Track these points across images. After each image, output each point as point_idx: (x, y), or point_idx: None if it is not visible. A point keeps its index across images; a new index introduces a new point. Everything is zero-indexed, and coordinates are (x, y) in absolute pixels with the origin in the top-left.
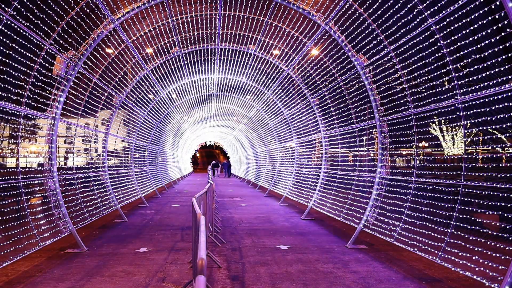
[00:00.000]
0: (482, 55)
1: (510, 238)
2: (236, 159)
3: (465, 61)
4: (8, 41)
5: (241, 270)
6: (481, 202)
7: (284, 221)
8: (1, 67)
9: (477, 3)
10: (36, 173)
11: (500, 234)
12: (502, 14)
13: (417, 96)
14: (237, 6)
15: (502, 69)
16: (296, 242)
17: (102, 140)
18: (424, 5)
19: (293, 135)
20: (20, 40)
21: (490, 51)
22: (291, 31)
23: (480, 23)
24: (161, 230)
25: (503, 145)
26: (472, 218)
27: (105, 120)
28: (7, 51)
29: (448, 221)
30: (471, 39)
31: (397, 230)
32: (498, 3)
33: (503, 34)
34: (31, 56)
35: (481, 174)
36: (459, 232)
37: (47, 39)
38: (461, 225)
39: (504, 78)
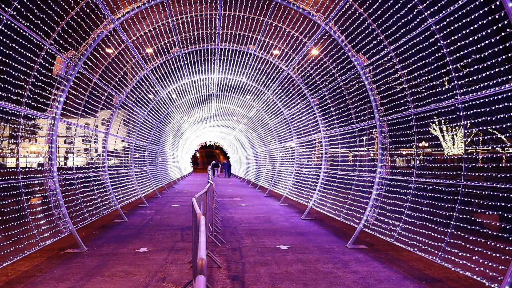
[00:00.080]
0: (482, 55)
1: (510, 238)
2: (236, 159)
3: (465, 61)
4: (8, 41)
5: (241, 270)
6: (481, 202)
7: (284, 221)
8: (1, 67)
9: (477, 3)
10: (36, 173)
11: (500, 234)
12: (502, 14)
13: (417, 96)
14: (237, 6)
15: (502, 69)
16: (296, 242)
17: (102, 140)
18: (424, 5)
19: (293, 135)
20: (20, 40)
21: (490, 51)
22: (291, 31)
23: (480, 23)
24: (161, 230)
25: (503, 145)
26: (472, 218)
27: (105, 120)
28: (7, 51)
29: (448, 221)
30: (471, 39)
31: (397, 230)
32: (498, 3)
33: (503, 34)
34: (31, 56)
35: (481, 174)
36: (459, 232)
37: (47, 39)
38: (461, 225)
39: (504, 78)
